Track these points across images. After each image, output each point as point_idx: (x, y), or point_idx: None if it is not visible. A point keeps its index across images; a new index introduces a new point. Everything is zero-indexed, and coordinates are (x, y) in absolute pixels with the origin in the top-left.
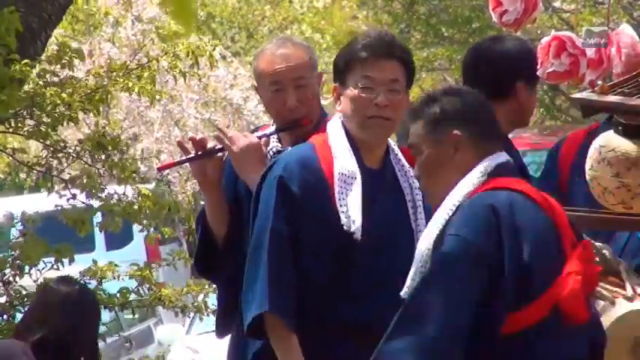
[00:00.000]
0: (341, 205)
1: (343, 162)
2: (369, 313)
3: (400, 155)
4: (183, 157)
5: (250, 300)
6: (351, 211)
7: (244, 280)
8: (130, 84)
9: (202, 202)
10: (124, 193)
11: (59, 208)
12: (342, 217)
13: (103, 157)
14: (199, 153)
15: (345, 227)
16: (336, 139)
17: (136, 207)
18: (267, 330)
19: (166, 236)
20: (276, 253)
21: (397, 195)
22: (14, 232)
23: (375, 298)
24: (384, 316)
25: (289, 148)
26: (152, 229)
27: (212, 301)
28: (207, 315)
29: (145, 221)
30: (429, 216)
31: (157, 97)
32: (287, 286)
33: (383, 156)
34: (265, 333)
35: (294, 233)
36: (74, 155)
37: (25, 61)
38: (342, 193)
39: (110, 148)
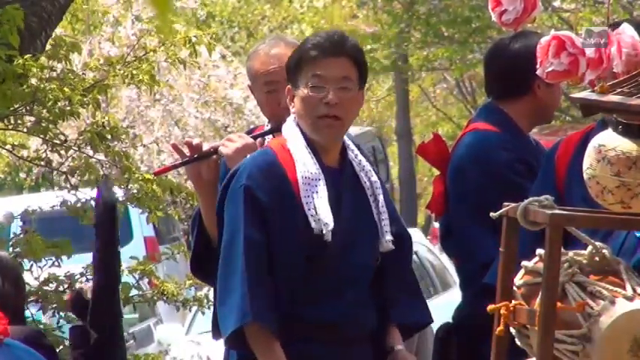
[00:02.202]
0: (309, 209)
1: (305, 165)
2: (340, 311)
3: (357, 152)
4: (179, 161)
5: (227, 312)
6: (321, 213)
7: (218, 292)
8: (129, 75)
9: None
10: (127, 180)
11: (60, 201)
12: (311, 220)
13: (104, 147)
14: (195, 156)
15: (315, 231)
16: (294, 142)
17: (140, 194)
18: (249, 341)
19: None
20: (252, 262)
21: (359, 192)
22: (13, 232)
23: (346, 295)
24: (355, 312)
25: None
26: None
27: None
28: (209, 308)
29: (148, 204)
30: (390, 210)
31: (157, 96)
32: (266, 294)
33: (340, 155)
34: (243, 344)
35: (266, 240)
36: (75, 149)
37: (27, 56)
38: (308, 197)
39: (110, 137)
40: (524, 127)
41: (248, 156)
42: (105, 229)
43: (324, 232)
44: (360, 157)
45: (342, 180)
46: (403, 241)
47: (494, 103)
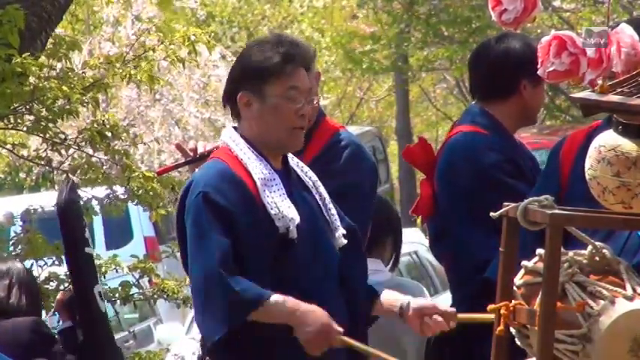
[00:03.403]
0: (272, 209)
1: (257, 167)
2: None
3: (292, 155)
4: (181, 161)
5: (216, 316)
6: (284, 210)
7: (200, 303)
8: (128, 75)
9: None
10: (127, 179)
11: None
12: (275, 219)
13: (104, 146)
14: (197, 156)
15: (280, 230)
16: (239, 148)
17: (140, 191)
18: (267, 317)
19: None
20: (229, 267)
21: (306, 192)
22: (14, 231)
23: (318, 293)
24: (331, 312)
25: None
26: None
27: None
28: None
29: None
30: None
31: (157, 95)
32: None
33: (282, 157)
34: (227, 352)
35: (234, 245)
36: (75, 147)
37: (26, 54)
38: (267, 197)
39: (110, 135)
40: (509, 128)
41: (196, 170)
42: (68, 230)
43: (290, 228)
44: (297, 159)
45: (290, 181)
46: (353, 234)
47: (479, 105)
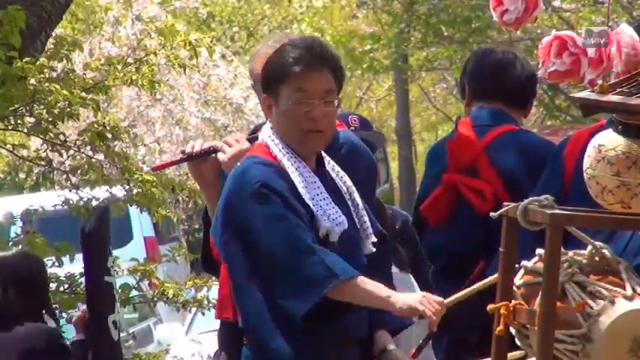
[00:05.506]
0: (317, 210)
1: (298, 169)
2: (348, 313)
3: (328, 158)
4: (176, 158)
5: (296, 293)
6: (331, 213)
7: (284, 282)
8: (130, 77)
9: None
10: (127, 181)
11: (62, 201)
12: (322, 220)
13: (104, 147)
14: (192, 155)
15: (320, 232)
16: (277, 149)
17: (139, 191)
18: (347, 295)
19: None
20: (311, 241)
21: (339, 196)
22: (14, 232)
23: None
24: (359, 314)
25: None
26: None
27: (213, 295)
28: (209, 309)
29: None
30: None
31: (158, 95)
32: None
33: (316, 160)
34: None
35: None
36: (75, 149)
37: (27, 59)
38: (312, 199)
39: (111, 137)
40: None
41: (238, 164)
42: (90, 258)
43: (335, 231)
44: (332, 162)
45: (325, 183)
46: (382, 243)
47: (499, 108)
